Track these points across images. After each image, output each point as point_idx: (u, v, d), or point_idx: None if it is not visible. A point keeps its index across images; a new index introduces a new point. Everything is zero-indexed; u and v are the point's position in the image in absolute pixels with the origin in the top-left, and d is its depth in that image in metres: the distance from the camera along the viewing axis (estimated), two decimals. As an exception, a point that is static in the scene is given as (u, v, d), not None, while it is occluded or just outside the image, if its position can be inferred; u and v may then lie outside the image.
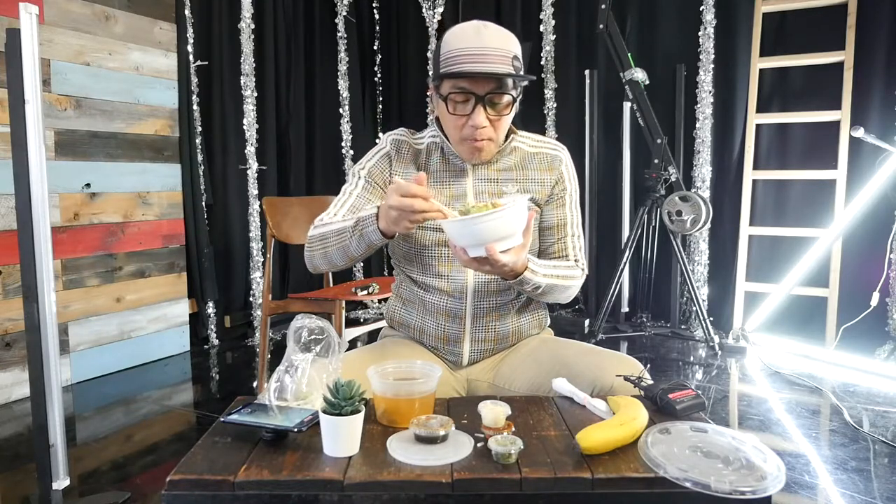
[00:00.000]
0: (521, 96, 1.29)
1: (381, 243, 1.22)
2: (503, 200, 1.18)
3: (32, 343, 1.66)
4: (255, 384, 2.85)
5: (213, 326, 3.55)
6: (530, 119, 4.04)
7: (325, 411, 0.92)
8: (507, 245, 1.09)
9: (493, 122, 1.26)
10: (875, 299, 3.12)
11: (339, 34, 4.36)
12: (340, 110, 4.37)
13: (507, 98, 1.25)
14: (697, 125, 3.64)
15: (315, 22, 4.23)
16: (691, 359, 3.25)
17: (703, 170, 3.63)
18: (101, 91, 2.99)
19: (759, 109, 3.54)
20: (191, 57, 3.43)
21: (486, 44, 1.21)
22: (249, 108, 3.70)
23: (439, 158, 1.37)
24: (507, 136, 1.36)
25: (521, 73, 1.25)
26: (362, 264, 4.53)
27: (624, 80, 3.54)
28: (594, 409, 1.07)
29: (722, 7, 3.57)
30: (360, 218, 1.22)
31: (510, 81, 1.23)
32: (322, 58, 4.29)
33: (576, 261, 1.38)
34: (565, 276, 1.32)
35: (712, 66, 3.59)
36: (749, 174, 3.55)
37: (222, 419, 1.00)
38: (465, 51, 1.21)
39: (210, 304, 3.54)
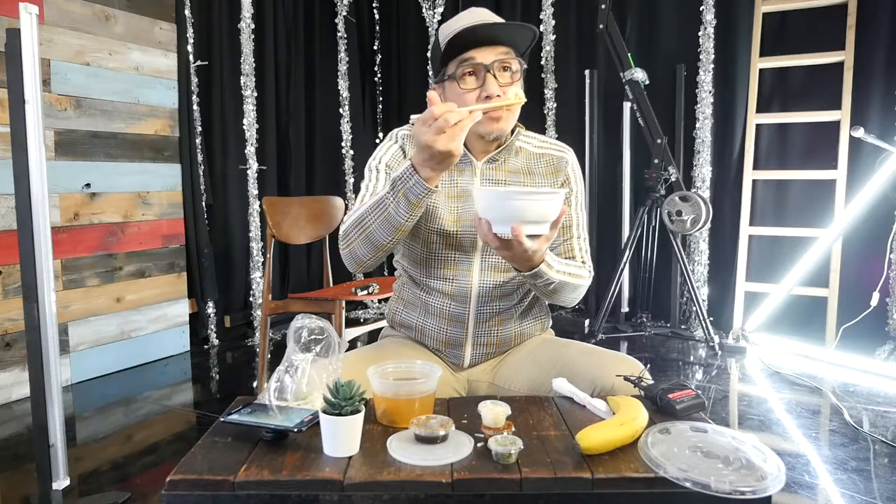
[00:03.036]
0: (526, 65, 1.31)
1: (427, 197, 1.13)
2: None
3: (32, 343, 1.66)
4: (255, 384, 2.85)
5: (213, 326, 3.55)
6: (530, 119, 4.04)
7: (325, 411, 0.91)
8: (533, 231, 1.07)
9: (504, 89, 1.26)
10: (875, 299, 3.12)
11: (339, 34, 4.36)
12: (340, 110, 4.37)
13: (514, 64, 1.27)
14: (697, 125, 3.64)
15: (315, 22, 4.23)
16: (691, 359, 3.25)
17: (703, 170, 3.63)
18: (101, 91, 2.99)
19: (759, 109, 3.54)
20: (191, 57, 3.43)
21: (481, 17, 1.27)
22: (249, 108, 3.71)
23: None
24: (512, 131, 1.36)
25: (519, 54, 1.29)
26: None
27: (624, 80, 3.53)
28: (594, 409, 1.07)
29: (722, 7, 3.57)
30: (396, 178, 1.14)
31: (514, 50, 1.27)
32: (322, 58, 4.29)
33: (583, 262, 1.37)
34: (576, 274, 1.30)
35: (712, 66, 3.59)
36: (749, 174, 3.54)
37: (222, 419, 1.00)
38: (462, 24, 1.25)
39: (210, 304, 3.54)
